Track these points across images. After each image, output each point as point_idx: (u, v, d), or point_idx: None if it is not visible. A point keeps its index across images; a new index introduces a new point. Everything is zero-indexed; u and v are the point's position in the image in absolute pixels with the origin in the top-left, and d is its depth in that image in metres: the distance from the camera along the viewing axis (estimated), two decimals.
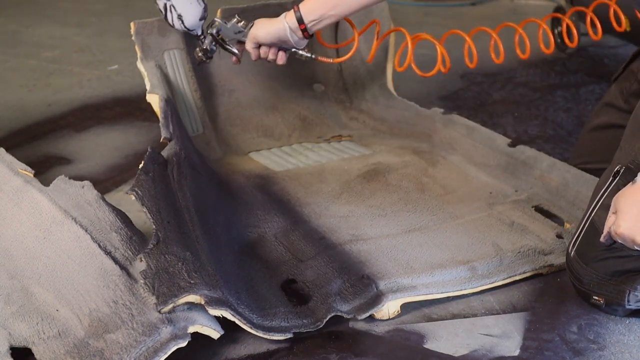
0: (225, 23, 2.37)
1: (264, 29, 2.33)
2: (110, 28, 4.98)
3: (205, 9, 2.39)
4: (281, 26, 2.29)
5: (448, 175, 2.52)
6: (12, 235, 1.92)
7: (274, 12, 2.89)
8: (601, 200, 1.84)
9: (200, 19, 2.39)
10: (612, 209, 1.73)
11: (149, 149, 2.05)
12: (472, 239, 2.12)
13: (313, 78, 3.03)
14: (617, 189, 1.78)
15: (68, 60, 4.30)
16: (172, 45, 2.69)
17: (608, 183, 1.84)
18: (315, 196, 2.39)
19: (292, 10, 2.28)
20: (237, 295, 1.82)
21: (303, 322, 1.80)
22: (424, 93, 3.44)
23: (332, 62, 2.59)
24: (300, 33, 2.29)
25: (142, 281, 1.71)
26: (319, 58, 2.45)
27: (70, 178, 1.98)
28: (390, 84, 2.97)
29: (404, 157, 2.64)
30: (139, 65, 2.52)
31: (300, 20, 2.26)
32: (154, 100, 2.33)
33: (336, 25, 2.99)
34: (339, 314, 1.82)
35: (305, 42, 2.35)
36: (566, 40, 2.53)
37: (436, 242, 2.10)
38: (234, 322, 1.70)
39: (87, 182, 1.96)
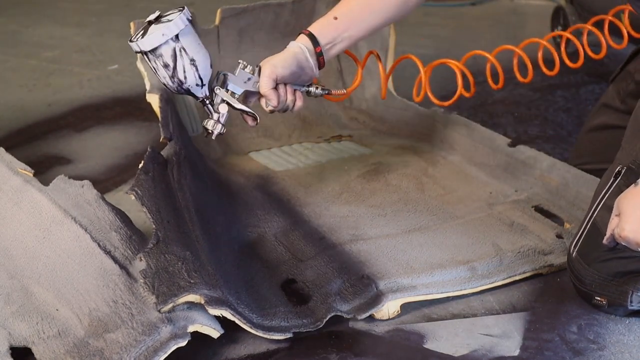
0: (231, 74, 1.98)
1: (281, 61, 1.99)
2: (110, 28, 4.99)
3: (210, 56, 1.97)
4: (297, 50, 2.00)
5: (448, 175, 2.52)
6: (11, 234, 1.92)
7: (274, 12, 2.91)
8: (603, 201, 1.84)
9: (211, 66, 1.96)
10: (615, 211, 1.72)
11: (148, 149, 2.05)
12: (472, 239, 2.11)
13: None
14: (619, 189, 1.78)
15: (68, 60, 4.30)
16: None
17: (610, 184, 1.84)
18: (315, 196, 2.39)
19: (302, 34, 2.03)
20: (237, 294, 1.82)
21: (303, 322, 1.80)
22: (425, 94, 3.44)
23: (346, 94, 2.21)
24: (315, 58, 2.02)
25: (141, 280, 1.71)
26: (333, 92, 2.15)
27: (70, 178, 1.98)
28: (390, 85, 2.97)
29: (404, 157, 2.64)
30: (139, 65, 2.52)
31: (315, 43, 2.01)
32: (154, 100, 2.33)
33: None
34: (339, 313, 1.82)
35: (318, 72, 2.07)
36: (566, 60, 2.46)
37: (436, 242, 2.10)
38: (233, 321, 1.70)
39: (86, 182, 1.96)
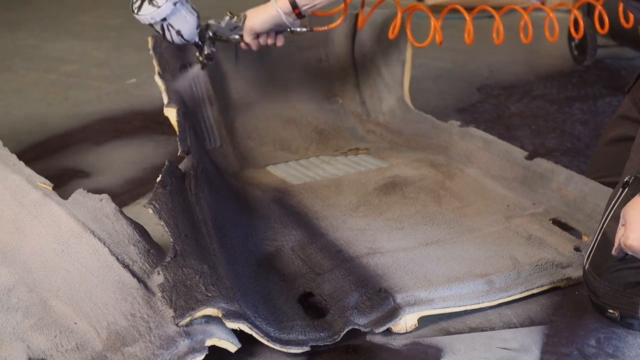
0: (219, 23, 2.43)
1: (259, 19, 2.39)
2: (128, 42, 5.01)
3: (198, 17, 2.41)
4: (274, 12, 2.36)
5: (465, 188, 2.51)
6: (30, 248, 1.92)
7: None
8: (612, 212, 1.83)
9: (197, 28, 2.40)
10: (621, 221, 1.72)
11: (166, 163, 2.06)
12: (489, 252, 2.11)
13: (330, 91, 3.04)
14: (627, 199, 1.77)
15: (87, 75, 4.33)
16: (189, 58, 2.70)
17: (618, 194, 1.84)
18: (332, 209, 2.39)
19: None
20: (255, 308, 1.82)
21: (320, 336, 1.80)
22: (440, 106, 3.44)
23: (328, 28, 2.61)
24: (294, 15, 2.37)
25: (159, 294, 1.71)
26: (315, 29, 2.53)
27: (88, 191, 1.99)
28: (407, 97, 2.97)
29: (421, 170, 2.64)
30: (157, 79, 2.53)
31: (294, 5, 2.34)
32: (172, 114, 2.34)
33: None
34: (357, 327, 1.82)
35: (298, 21, 2.42)
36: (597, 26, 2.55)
37: (453, 255, 2.10)
38: (251, 335, 1.70)
39: (105, 195, 1.97)
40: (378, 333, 1.83)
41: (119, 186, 2.77)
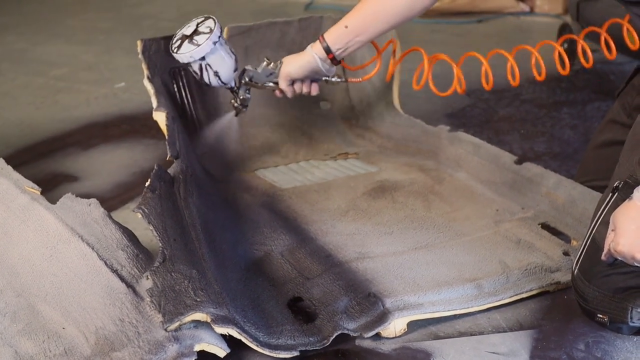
0: (256, 69, 2.40)
1: (295, 64, 2.36)
2: (117, 46, 5.01)
3: (236, 60, 2.38)
4: (310, 58, 2.33)
5: (454, 192, 2.52)
6: (18, 253, 1.92)
7: (280, 29, 2.92)
8: (601, 217, 1.84)
9: (235, 70, 2.38)
10: (610, 226, 1.73)
11: (155, 167, 2.05)
12: (478, 257, 2.11)
13: (319, 96, 3.04)
14: (616, 204, 1.78)
15: (76, 78, 4.32)
16: (178, 63, 2.70)
17: (608, 199, 1.84)
18: (322, 214, 2.39)
19: (318, 41, 2.31)
20: (244, 313, 1.82)
21: (309, 340, 1.80)
22: (430, 110, 3.45)
23: (362, 80, 2.59)
24: (329, 61, 2.33)
25: (148, 299, 1.71)
26: (350, 80, 2.54)
27: (77, 196, 1.98)
28: (396, 102, 2.97)
29: (410, 174, 2.64)
30: (146, 83, 2.53)
31: (327, 50, 2.30)
32: (161, 118, 2.33)
33: None
34: (346, 331, 1.82)
35: (334, 68, 2.38)
36: (582, 60, 2.55)
37: (443, 260, 2.10)
38: (240, 340, 1.70)
39: (93, 200, 1.97)
40: (367, 338, 1.83)
41: (108, 190, 2.77)
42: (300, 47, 2.98)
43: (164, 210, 1.92)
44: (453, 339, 1.86)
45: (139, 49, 2.61)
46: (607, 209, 1.83)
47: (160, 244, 1.81)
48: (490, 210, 2.40)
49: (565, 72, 2.54)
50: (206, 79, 2.35)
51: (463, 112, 3.55)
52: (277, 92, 2.43)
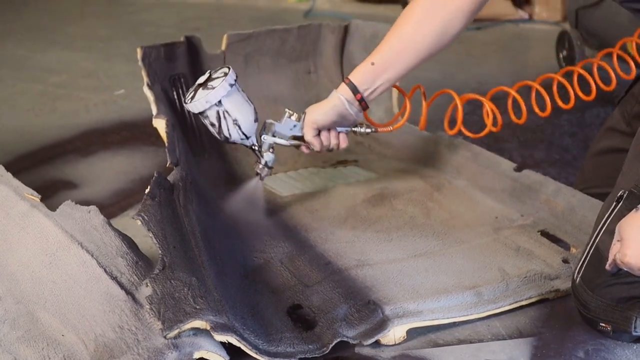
0: (278, 122, 2.26)
1: (321, 111, 2.21)
2: (116, 53, 5.01)
3: (255, 110, 2.24)
4: (337, 101, 2.19)
5: (453, 199, 2.52)
6: (18, 260, 1.92)
7: (280, 37, 2.93)
8: (605, 226, 1.83)
9: (255, 121, 2.23)
10: (616, 237, 1.72)
11: (155, 174, 2.05)
12: (478, 264, 2.11)
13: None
14: (621, 214, 1.77)
15: (75, 85, 4.33)
16: (178, 70, 2.70)
17: (612, 208, 1.83)
18: (321, 221, 2.39)
19: (343, 83, 2.19)
20: (243, 320, 1.81)
21: (309, 348, 1.79)
22: (429, 118, 3.44)
23: (392, 130, 2.44)
24: (357, 104, 2.19)
25: (147, 306, 1.71)
26: (380, 129, 2.38)
27: (76, 203, 1.98)
28: (395, 109, 2.97)
29: (410, 181, 2.64)
30: (146, 90, 2.53)
31: (355, 91, 2.17)
32: (161, 125, 2.34)
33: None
34: (345, 339, 1.82)
35: (362, 115, 2.25)
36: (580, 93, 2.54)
37: (442, 267, 2.10)
38: (239, 347, 1.70)
39: (93, 207, 1.97)
40: (367, 345, 1.83)
41: (107, 197, 2.77)
42: (299, 56, 3.01)
43: (164, 218, 1.92)
44: (452, 346, 1.85)
45: (139, 56, 2.61)
46: (611, 218, 1.82)
47: (160, 251, 1.81)
48: (489, 217, 2.40)
49: (568, 106, 2.52)
50: (225, 130, 2.19)
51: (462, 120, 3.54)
52: (304, 148, 2.28)
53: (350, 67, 3.02)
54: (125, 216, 2.55)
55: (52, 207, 1.99)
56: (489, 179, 2.54)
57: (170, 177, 2.12)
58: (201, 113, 2.19)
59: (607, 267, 1.75)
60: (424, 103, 2.49)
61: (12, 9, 6.85)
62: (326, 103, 2.20)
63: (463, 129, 2.42)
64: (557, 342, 1.85)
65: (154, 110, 2.42)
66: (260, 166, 2.29)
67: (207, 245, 1.99)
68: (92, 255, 1.84)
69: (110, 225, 1.93)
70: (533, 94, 2.44)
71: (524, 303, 1.98)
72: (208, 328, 1.66)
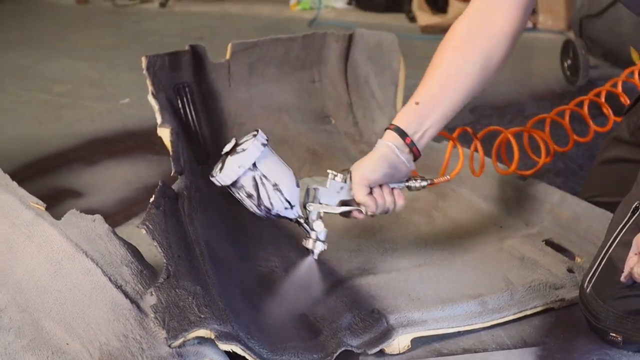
0: (322, 187, 1.96)
1: (369, 164, 1.92)
2: (121, 62, 5.02)
3: (295, 175, 1.94)
4: (385, 150, 1.92)
5: (458, 208, 2.52)
6: (23, 268, 1.92)
7: (284, 46, 2.93)
8: (619, 237, 1.81)
9: (297, 186, 1.92)
10: (634, 249, 1.70)
11: (159, 183, 2.05)
12: (482, 273, 2.11)
13: (323, 112, 3.04)
14: (636, 225, 1.76)
15: (79, 94, 4.33)
16: (183, 79, 2.71)
17: (626, 219, 1.82)
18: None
19: (388, 130, 1.95)
20: (247, 329, 1.81)
21: (313, 357, 1.79)
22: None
23: (450, 178, 2.20)
24: (407, 150, 1.94)
25: (152, 315, 1.70)
26: (436, 181, 2.11)
27: (81, 211, 1.98)
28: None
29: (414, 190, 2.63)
30: (150, 99, 2.53)
31: (402, 135, 1.92)
32: (165, 134, 2.34)
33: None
34: (349, 348, 1.82)
35: (414, 164, 1.99)
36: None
37: (446, 277, 2.10)
38: (244, 357, 1.70)
39: (98, 216, 1.97)
40: (371, 354, 1.83)
41: (112, 206, 2.77)
42: (304, 64, 3.01)
43: (168, 227, 1.92)
44: (457, 356, 1.85)
45: (144, 65, 2.61)
46: (625, 229, 1.81)
47: (165, 260, 1.81)
48: (494, 226, 2.39)
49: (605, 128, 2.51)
50: (266, 199, 1.87)
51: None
52: (356, 213, 1.97)
53: (354, 76, 3.03)
54: (130, 225, 2.55)
55: (57, 216, 1.99)
56: (493, 188, 2.54)
57: (174, 186, 2.12)
58: (234, 183, 1.88)
59: (623, 279, 1.74)
60: (477, 144, 2.32)
61: (16, 18, 6.86)
62: (373, 155, 1.93)
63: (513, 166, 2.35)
64: (562, 352, 1.85)
65: (159, 119, 2.42)
66: (312, 241, 1.95)
67: (211, 254, 1.99)
68: (97, 264, 1.84)
69: (115, 234, 1.93)
70: (567, 117, 2.40)
71: (528, 312, 1.98)
72: (213, 337, 1.66)
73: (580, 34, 4.23)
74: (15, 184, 2.15)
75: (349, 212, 1.96)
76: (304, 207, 1.94)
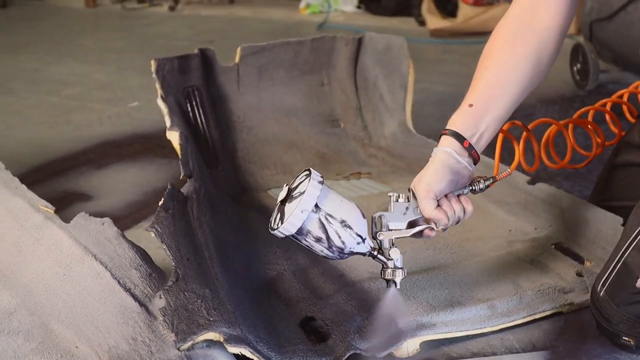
0: (387, 211, 1.83)
1: (430, 174, 1.81)
2: (130, 65, 5.03)
3: (358, 206, 1.79)
4: (444, 156, 1.81)
5: None
6: (32, 271, 1.92)
7: (293, 49, 2.93)
8: (635, 242, 1.81)
9: (364, 217, 1.78)
10: None
11: (168, 186, 2.06)
12: (491, 277, 2.11)
13: (332, 115, 3.04)
14: None
15: (88, 97, 4.34)
16: (192, 82, 2.71)
17: None
18: None
19: (444, 136, 1.83)
20: (256, 332, 1.81)
21: None
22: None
23: (510, 172, 2.05)
24: (466, 154, 1.83)
25: (161, 318, 1.71)
26: (499, 177, 1.97)
27: (90, 214, 1.99)
28: (409, 122, 2.98)
29: None
30: (159, 102, 2.54)
31: (460, 138, 1.81)
32: (174, 137, 2.34)
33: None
34: (358, 352, 1.81)
35: (474, 168, 1.87)
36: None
37: (456, 280, 2.09)
38: (252, 359, 1.70)
39: (107, 219, 1.97)
40: (380, 358, 1.83)
41: (121, 209, 2.77)
42: (312, 68, 3.02)
43: (177, 230, 1.92)
44: (466, 359, 1.85)
45: (153, 68, 2.62)
46: None
47: (174, 263, 1.81)
48: (503, 230, 2.39)
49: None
50: (336, 239, 1.72)
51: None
52: (428, 231, 1.83)
53: (363, 79, 3.03)
54: (139, 228, 2.55)
55: (66, 219, 1.99)
56: (502, 192, 2.53)
57: (183, 189, 2.13)
58: (299, 231, 1.72)
59: (639, 285, 1.74)
60: (529, 136, 2.26)
61: (27, 22, 6.89)
62: (433, 164, 1.82)
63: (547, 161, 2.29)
64: (571, 356, 1.85)
65: (168, 123, 2.43)
66: (390, 270, 1.81)
67: (220, 257, 2.00)
68: (106, 267, 1.84)
69: (124, 237, 1.93)
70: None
71: (537, 316, 1.97)
72: (221, 340, 1.65)
73: (590, 37, 4.22)
74: (24, 187, 2.15)
75: (421, 231, 1.83)
76: (373, 237, 1.81)
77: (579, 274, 2.10)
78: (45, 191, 2.71)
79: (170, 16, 7.15)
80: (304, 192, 1.69)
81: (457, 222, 1.85)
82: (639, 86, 2.58)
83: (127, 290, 1.80)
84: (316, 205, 1.70)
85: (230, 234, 2.26)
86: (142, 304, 1.77)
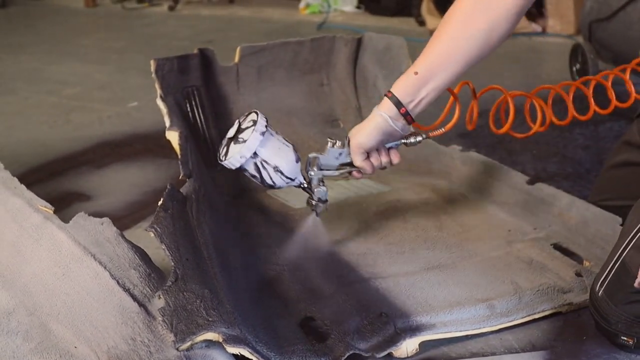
0: (322, 154, 2.14)
1: (364, 133, 2.06)
2: (130, 65, 5.03)
3: (294, 149, 2.10)
4: (379, 120, 2.04)
5: (466, 212, 2.51)
6: (31, 271, 1.92)
7: (293, 49, 2.93)
8: (633, 241, 1.81)
9: (297, 161, 2.09)
10: None
11: (168, 186, 2.06)
12: (490, 277, 2.11)
13: (332, 115, 3.04)
14: None
15: (88, 97, 4.34)
16: (191, 82, 2.71)
17: None
18: (333, 233, 2.38)
19: (385, 98, 2.03)
20: (255, 332, 1.81)
21: None
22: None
23: (445, 130, 2.23)
24: (402, 119, 2.04)
25: (160, 318, 1.71)
26: (431, 134, 2.21)
27: (89, 214, 1.98)
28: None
29: (423, 194, 2.64)
30: (159, 102, 2.54)
31: (398, 105, 2.01)
32: (174, 137, 2.34)
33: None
34: (357, 352, 1.81)
35: (410, 127, 2.09)
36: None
37: (455, 280, 2.10)
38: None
39: (106, 219, 1.97)
40: (379, 358, 1.83)
41: (120, 209, 2.77)
42: (312, 68, 3.02)
43: (177, 230, 1.92)
44: (465, 359, 1.85)
45: (153, 68, 2.62)
46: (639, 234, 1.81)
47: (173, 263, 1.81)
48: (502, 230, 2.39)
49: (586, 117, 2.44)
50: (268, 179, 2.06)
51: (475, 132, 3.53)
52: (355, 173, 2.14)
53: (363, 79, 3.03)
54: (138, 228, 2.55)
55: (66, 219, 1.99)
56: (501, 192, 2.54)
57: (183, 189, 2.13)
58: (238, 168, 2.05)
59: (636, 284, 1.74)
60: (474, 101, 2.31)
61: (26, 21, 6.89)
62: (368, 123, 2.06)
63: (510, 132, 2.32)
64: (570, 356, 1.85)
65: (167, 123, 2.43)
66: (314, 202, 2.18)
67: (219, 257, 2.00)
68: (105, 267, 1.84)
69: (123, 237, 1.93)
70: (550, 100, 2.39)
71: (536, 316, 1.97)
72: (220, 340, 1.65)
73: (590, 38, 4.22)
74: (23, 186, 2.15)
75: (349, 173, 2.14)
76: (307, 172, 2.14)
77: (578, 274, 2.10)
78: (45, 191, 2.71)
79: (170, 16, 7.15)
80: (245, 140, 2.00)
81: (383, 169, 2.14)
82: (609, 75, 2.54)
83: (126, 290, 1.80)
84: (255, 153, 2.01)
85: (230, 234, 2.26)
86: (141, 304, 1.77)
